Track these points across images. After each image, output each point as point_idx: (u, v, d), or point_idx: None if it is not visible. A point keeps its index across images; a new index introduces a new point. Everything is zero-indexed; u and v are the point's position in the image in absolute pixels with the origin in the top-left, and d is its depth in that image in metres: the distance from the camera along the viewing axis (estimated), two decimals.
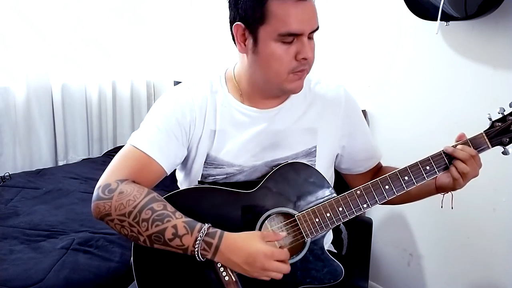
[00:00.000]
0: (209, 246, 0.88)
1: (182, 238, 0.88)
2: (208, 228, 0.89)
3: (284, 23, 0.90)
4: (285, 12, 0.90)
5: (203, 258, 0.89)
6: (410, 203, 1.11)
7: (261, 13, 0.91)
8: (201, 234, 0.87)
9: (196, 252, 0.87)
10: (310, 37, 0.95)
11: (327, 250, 1.02)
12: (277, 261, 0.89)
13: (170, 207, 0.91)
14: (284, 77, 0.96)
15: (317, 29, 0.95)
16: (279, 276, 0.90)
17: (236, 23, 0.96)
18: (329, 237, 1.20)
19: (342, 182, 1.22)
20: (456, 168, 0.95)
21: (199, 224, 0.89)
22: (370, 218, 1.51)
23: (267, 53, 0.94)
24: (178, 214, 0.90)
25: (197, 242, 0.87)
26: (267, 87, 1.02)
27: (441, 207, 1.03)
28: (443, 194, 1.04)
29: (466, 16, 1.35)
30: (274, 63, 0.95)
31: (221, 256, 0.88)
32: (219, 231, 0.89)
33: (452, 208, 1.02)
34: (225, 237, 0.89)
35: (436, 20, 1.39)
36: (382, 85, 1.80)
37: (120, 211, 0.90)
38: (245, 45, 0.97)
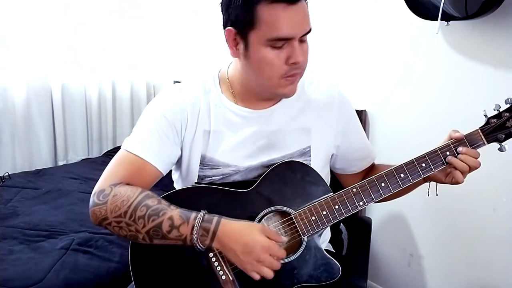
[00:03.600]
0: (207, 231, 0.88)
1: (180, 228, 0.88)
2: (204, 215, 0.89)
3: (273, 28, 0.89)
4: (274, 17, 0.88)
5: (202, 246, 0.88)
6: (400, 197, 1.11)
7: (250, 18, 0.90)
8: (197, 220, 0.88)
9: (195, 240, 0.87)
10: (302, 40, 0.93)
11: (325, 249, 1.02)
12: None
13: (164, 202, 0.92)
14: (276, 82, 0.96)
15: (309, 31, 0.93)
16: (269, 273, 0.88)
17: (228, 28, 0.95)
18: (326, 235, 1.20)
19: (337, 181, 1.22)
20: (457, 169, 0.96)
21: (194, 212, 0.90)
22: (370, 218, 1.51)
23: (258, 58, 0.93)
24: (173, 206, 0.91)
25: (194, 229, 0.87)
26: (260, 91, 1.02)
27: (428, 195, 1.03)
28: (429, 183, 1.04)
29: (467, 15, 1.35)
30: (265, 68, 0.94)
31: (219, 241, 0.88)
32: (216, 216, 0.90)
33: (437, 195, 1.02)
34: (222, 222, 0.89)
35: (436, 19, 1.39)
36: (382, 85, 1.80)
37: (116, 213, 0.90)
38: (237, 49, 0.97)
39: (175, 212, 0.89)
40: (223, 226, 0.88)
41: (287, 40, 0.91)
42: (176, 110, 1.03)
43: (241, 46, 0.95)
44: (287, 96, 1.01)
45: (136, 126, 1.04)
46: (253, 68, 0.96)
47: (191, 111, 1.03)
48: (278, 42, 0.91)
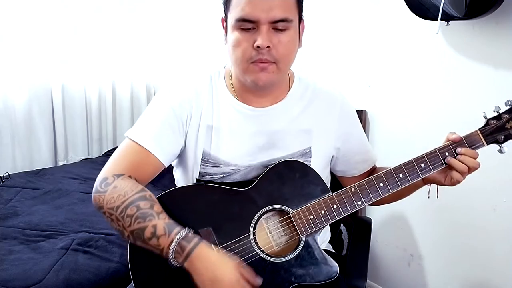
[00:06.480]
0: (183, 249, 0.85)
1: (160, 238, 0.87)
2: (187, 233, 0.87)
3: (239, 9, 0.92)
4: None
5: (177, 263, 0.86)
6: (400, 199, 1.11)
7: (227, 0, 0.96)
8: (178, 236, 0.86)
9: (170, 254, 0.85)
10: (277, 28, 0.93)
11: (325, 250, 1.02)
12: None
13: (157, 208, 0.91)
14: (245, 66, 0.96)
15: (283, 20, 0.92)
16: None
17: (222, 16, 1.00)
18: (326, 235, 1.20)
19: (338, 182, 1.22)
20: (457, 170, 0.96)
21: (179, 227, 0.88)
22: (370, 218, 1.51)
23: (231, 41, 0.97)
24: (162, 215, 0.90)
25: (172, 244, 0.85)
26: (240, 79, 1.03)
27: (428, 197, 1.03)
28: (430, 185, 1.04)
29: (467, 15, 1.35)
30: (235, 50, 0.96)
31: (191, 263, 0.85)
32: (196, 238, 0.87)
33: (438, 197, 1.02)
34: (200, 246, 0.86)
35: (436, 20, 1.39)
36: (382, 85, 1.80)
37: (110, 205, 0.91)
38: (226, 36, 1.00)
39: (160, 222, 0.88)
40: (199, 249, 0.86)
41: (253, 22, 0.92)
42: (183, 102, 1.04)
43: (225, 32, 0.99)
44: (256, 84, 0.98)
45: (143, 115, 1.05)
46: (229, 52, 0.99)
47: (196, 105, 1.04)
48: (245, 24, 0.92)
